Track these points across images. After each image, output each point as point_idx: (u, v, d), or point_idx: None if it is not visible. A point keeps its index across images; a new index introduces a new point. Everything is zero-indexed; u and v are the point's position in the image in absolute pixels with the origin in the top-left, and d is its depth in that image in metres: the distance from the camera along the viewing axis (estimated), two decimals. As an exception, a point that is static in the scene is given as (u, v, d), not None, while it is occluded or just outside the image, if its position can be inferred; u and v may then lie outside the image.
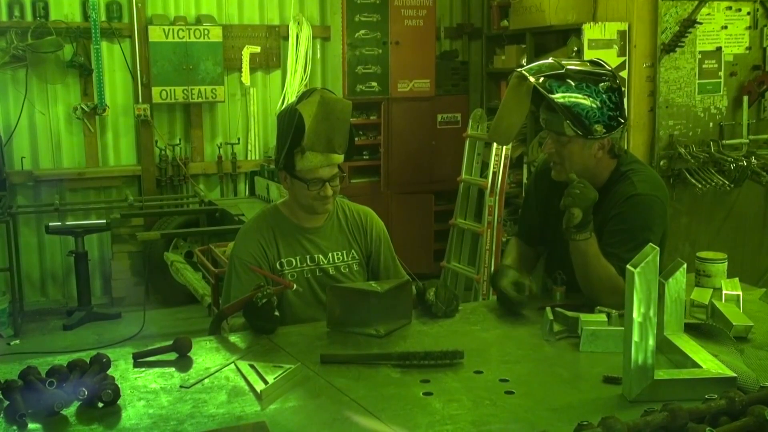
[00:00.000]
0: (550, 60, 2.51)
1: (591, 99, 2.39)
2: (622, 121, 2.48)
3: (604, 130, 2.42)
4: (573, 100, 2.38)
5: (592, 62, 2.54)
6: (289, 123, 2.48)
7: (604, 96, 2.41)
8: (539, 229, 2.79)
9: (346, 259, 2.67)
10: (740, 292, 2.41)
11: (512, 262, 2.74)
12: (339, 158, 2.53)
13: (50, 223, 5.70)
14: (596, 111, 2.39)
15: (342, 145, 2.52)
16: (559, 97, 2.37)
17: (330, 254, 2.65)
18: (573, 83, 2.39)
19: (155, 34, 6.11)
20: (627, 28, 5.08)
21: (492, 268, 5.15)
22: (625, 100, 4.97)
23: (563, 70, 2.42)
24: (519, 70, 2.48)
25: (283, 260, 2.60)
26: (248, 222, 2.76)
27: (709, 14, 5.19)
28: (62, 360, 2.01)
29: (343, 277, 2.64)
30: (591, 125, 2.39)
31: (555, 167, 2.56)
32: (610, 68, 2.52)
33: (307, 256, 2.62)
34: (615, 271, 2.38)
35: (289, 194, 2.66)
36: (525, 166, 5.92)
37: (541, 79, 2.40)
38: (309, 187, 2.51)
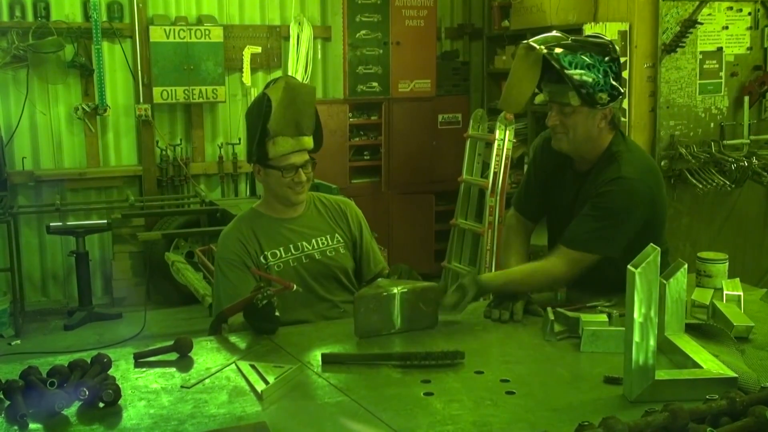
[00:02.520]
0: (555, 32, 2.58)
1: (595, 68, 2.45)
2: (622, 91, 2.55)
3: (608, 99, 2.48)
4: (579, 69, 2.44)
5: (592, 35, 2.61)
6: (258, 112, 2.55)
7: (606, 66, 2.46)
8: (542, 205, 2.83)
9: (331, 243, 2.69)
10: (741, 293, 2.41)
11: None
12: (309, 142, 2.60)
13: (51, 224, 5.70)
14: (600, 80, 2.45)
15: (309, 127, 2.59)
16: (566, 66, 2.43)
17: (313, 240, 2.67)
18: (578, 53, 2.45)
19: (156, 34, 6.11)
20: (628, 29, 5.08)
21: (493, 269, 5.14)
22: (626, 99, 5.08)
23: (569, 41, 2.49)
24: (526, 41, 2.52)
25: (266, 253, 2.61)
26: (227, 226, 2.77)
27: (709, 14, 5.19)
28: (63, 360, 2.01)
29: (331, 261, 2.66)
30: (595, 94, 2.45)
31: (556, 136, 2.59)
32: (609, 40, 2.58)
33: (291, 245, 2.64)
34: (530, 267, 2.52)
35: (264, 188, 2.71)
36: (526, 167, 5.92)
37: (549, 48, 2.45)
38: (283, 174, 2.56)
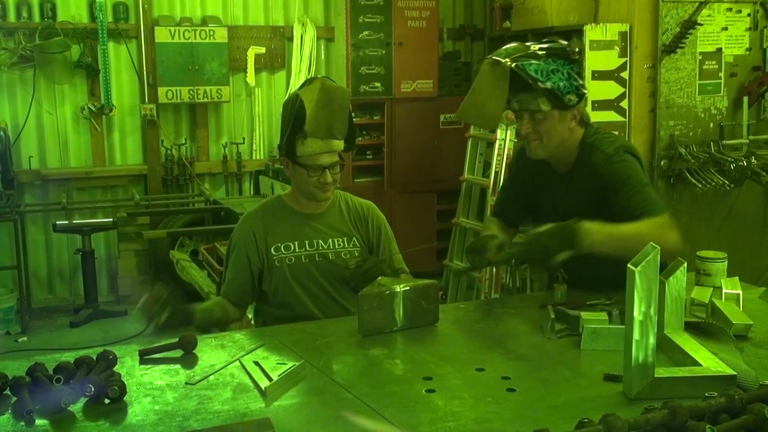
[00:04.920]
0: (514, 44, 2.60)
1: (559, 72, 2.50)
2: (585, 90, 2.60)
3: (576, 99, 2.54)
4: (546, 75, 2.48)
5: (549, 41, 2.64)
6: (291, 109, 2.56)
7: (568, 68, 2.52)
8: (522, 212, 2.86)
9: (347, 246, 2.70)
10: (740, 291, 2.42)
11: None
12: (339, 145, 2.60)
13: (57, 222, 5.74)
14: (566, 82, 2.50)
15: (342, 131, 2.59)
16: (533, 74, 2.47)
17: (330, 240, 2.69)
18: (542, 61, 2.50)
19: (161, 34, 6.15)
20: (628, 30, 5.09)
21: (494, 268, 5.16)
22: (626, 100, 5.09)
23: (530, 50, 2.53)
24: (489, 56, 2.55)
25: (279, 245, 2.64)
26: (251, 209, 2.82)
27: (709, 16, 5.20)
28: (69, 357, 2.03)
29: (344, 263, 2.67)
30: (564, 97, 2.51)
31: (531, 144, 2.62)
32: (566, 43, 2.63)
33: (306, 242, 2.67)
34: (642, 224, 2.36)
35: (292, 181, 2.72)
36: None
37: (514, 61, 2.49)
38: (309, 173, 2.58)
